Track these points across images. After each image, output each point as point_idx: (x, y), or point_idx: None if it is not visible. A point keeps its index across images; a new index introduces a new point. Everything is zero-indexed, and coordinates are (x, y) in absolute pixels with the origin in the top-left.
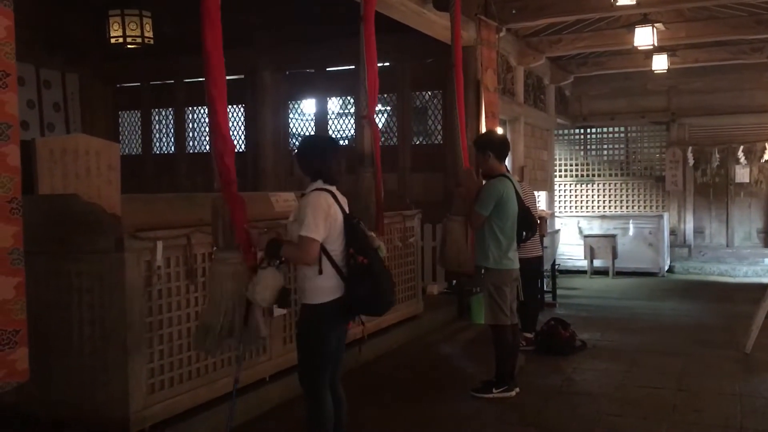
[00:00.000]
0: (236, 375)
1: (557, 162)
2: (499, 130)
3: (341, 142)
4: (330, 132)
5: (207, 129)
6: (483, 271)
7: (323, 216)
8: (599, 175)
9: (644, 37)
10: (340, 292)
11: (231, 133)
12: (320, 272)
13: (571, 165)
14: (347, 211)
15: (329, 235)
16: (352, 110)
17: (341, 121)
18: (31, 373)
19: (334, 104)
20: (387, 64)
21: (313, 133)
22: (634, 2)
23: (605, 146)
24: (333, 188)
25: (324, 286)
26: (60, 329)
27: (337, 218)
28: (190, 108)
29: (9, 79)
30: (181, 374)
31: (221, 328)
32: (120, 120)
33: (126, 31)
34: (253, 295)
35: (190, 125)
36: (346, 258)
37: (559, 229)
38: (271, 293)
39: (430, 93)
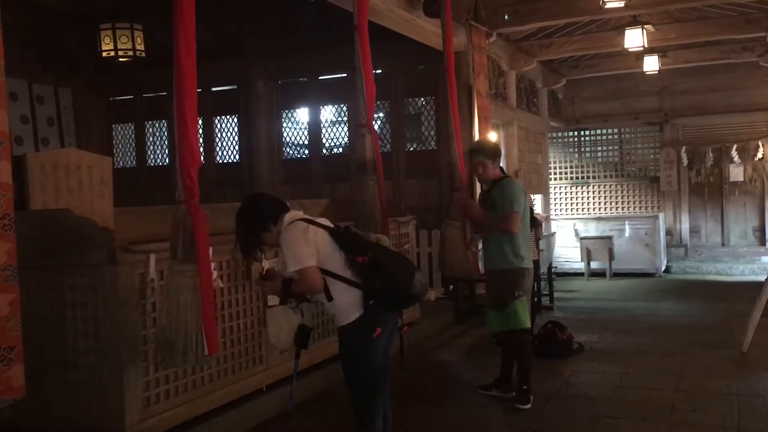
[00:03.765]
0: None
1: (552, 165)
2: (493, 135)
3: (336, 150)
4: (323, 140)
5: (202, 139)
6: (517, 273)
7: (303, 242)
8: (594, 177)
9: (634, 38)
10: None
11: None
12: (329, 299)
13: (565, 168)
14: (330, 225)
15: (321, 256)
16: (346, 118)
17: (335, 130)
18: (26, 389)
19: (327, 112)
20: (379, 71)
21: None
22: (622, 4)
23: (599, 148)
24: (300, 213)
25: (346, 305)
26: (54, 343)
27: (319, 237)
28: None
29: None
30: (177, 387)
31: (183, 343)
32: (114, 133)
33: (117, 44)
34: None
35: None
36: (349, 265)
37: (554, 232)
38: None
39: (423, 99)
